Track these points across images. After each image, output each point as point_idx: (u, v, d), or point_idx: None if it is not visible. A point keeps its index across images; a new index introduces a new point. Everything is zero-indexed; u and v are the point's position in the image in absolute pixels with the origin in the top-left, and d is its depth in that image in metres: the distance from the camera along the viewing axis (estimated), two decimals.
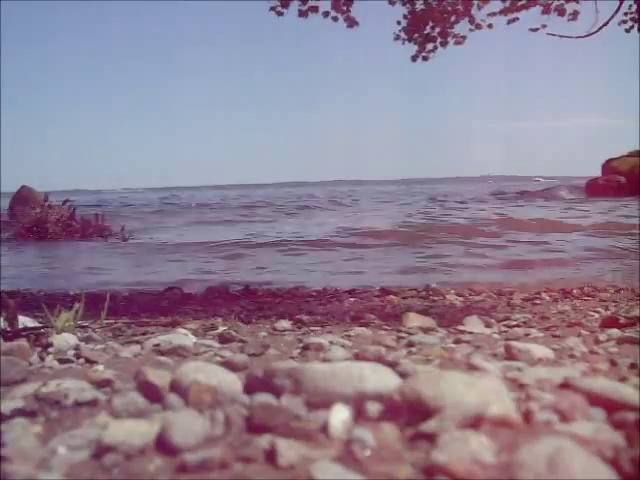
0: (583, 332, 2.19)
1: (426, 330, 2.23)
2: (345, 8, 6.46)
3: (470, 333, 2.13)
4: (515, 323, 2.86)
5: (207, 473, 0.78)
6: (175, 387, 1.06)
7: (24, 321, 2.06)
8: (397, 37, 6.87)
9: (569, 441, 0.77)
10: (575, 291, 4.65)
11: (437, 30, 6.78)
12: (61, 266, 8.55)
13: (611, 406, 0.95)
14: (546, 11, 6.37)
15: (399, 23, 6.80)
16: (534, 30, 6.46)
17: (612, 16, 6.02)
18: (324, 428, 0.89)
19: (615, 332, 2.00)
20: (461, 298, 4.49)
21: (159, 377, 1.11)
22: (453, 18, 6.66)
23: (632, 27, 6.43)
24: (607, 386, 1.01)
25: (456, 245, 9.29)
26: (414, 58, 7.07)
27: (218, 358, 1.57)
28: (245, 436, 0.89)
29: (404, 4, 6.68)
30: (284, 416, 0.92)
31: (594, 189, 28.93)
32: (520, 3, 6.35)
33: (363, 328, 2.43)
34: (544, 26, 6.38)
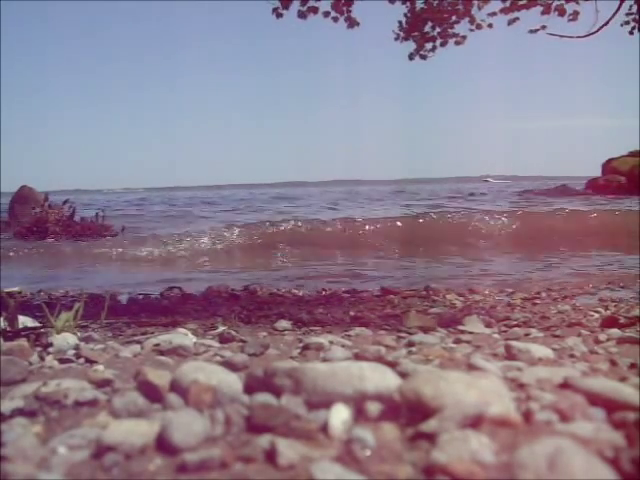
0: (583, 332, 2.19)
1: (426, 330, 2.23)
2: (345, 9, 6.45)
3: (470, 333, 2.14)
4: (515, 323, 2.86)
5: (207, 473, 0.78)
6: (175, 387, 1.06)
7: (24, 321, 2.06)
8: (397, 36, 6.86)
9: (569, 441, 0.77)
10: (575, 291, 4.65)
11: (437, 30, 6.77)
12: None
13: (611, 406, 0.95)
14: (546, 11, 6.37)
15: (400, 23, 6.79)
16: (534, 31, 6.46)
17: (612, 16, 6.01)
18: (324, 428, 0.89)
19: (615, 332, 2.01)
20: (461, 298, 4.49)
21: (159, 377, 1.11)
22: (453, 18, 6.66)
23: (634, 28, 6.43)
24: (607, 386, 1.01)
25: None
26: (411, 56, 7.06)
27: (218, 358, 1.57)
28: (245, 436, 0.89)
29: (404, 2, 6.67)
30: (284, 416, 0.92)
31: (594, 189, 28.95)
32: (520, 3, 6.35)
33: (363, 328, 2.44)
34: (543, 27, 6.38)
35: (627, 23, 6.44)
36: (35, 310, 2.55)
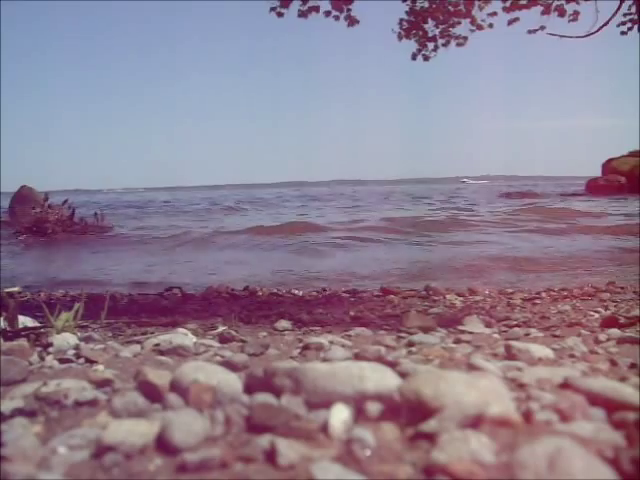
0: (583, 332, 2.19)
1: (426, 330, 2.23)
2: (345, 7, 6.45)
3: (470, 333, 2.13)
4: (515, 323, 2.86)
5: (207, 473, 0.78)
6: (175, 387, 1.06)
7: (24, 321, 2.06)
8: (399, 35, 6.87)
9: (569, 441, 0.77)
10: (575, 291, 4.65)
11: (438, 30, 6.78)
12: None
13: (611, 406, 0.95)
14: (546, 12, 6.37)
15: (401, 21, 6.80)
16: (533, 32, 6.47)
17: (612, 16, 6.02)
18: (324, 428, 0.89)
19: (615, 332, 2.00)
20: (461, 298, 4.49)
21: (159, 377, 1.10)
22: (454, 19, 6.66)
23: (630, 29, 6.42)
24: (607, 386, 1.01)
25: None
26: (414, 56, 7.07)
27: (218, 358, 1.57)
28: (245, 436, 0.89)
29: (404, 0, 6.68)
30: (284, 416, 0.92)
31: (594, 189, 28.91)
32: (520, 3, 6.35)
33: (363, 328, 2.43)
34: (543, 28, 6.39)
35: (623, 24, 6.44)
36: (35, 310, 2.55)
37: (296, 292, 5.15)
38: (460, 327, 2.33)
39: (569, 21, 6.48)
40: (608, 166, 29.68)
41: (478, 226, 13.70)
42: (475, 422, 0.87)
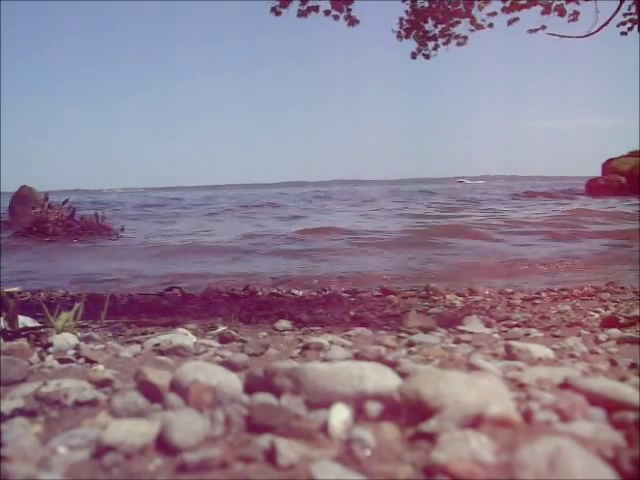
0: (583, 332, 2.19)
1: (426, 330, 2.23)
2: (345, 7, 6.46)
3: (470, 333, 2.13)
4: (515, 323, 2.86)
5: (207, 473, 0.78)
6: (175, 387, 1.06)
7: (24, 321, 2.06)
8: (399, 35, 6.88)
9: (569, 441, 0.77)
10: (575, 291, 4.65)
11: (438, 29, 6.79)
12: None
13: (611, 406, 0.95)
14: (546, 11, 6.37)
15: (401, 20, 6.81)
16: (533, 31, 6.47)
17: (612, 16, 6.02)
18: (324, 428, 0.89)
19: (615, 332, 2.00)
20: (461, 298, 4.49)
21: (159, 377, 1.11)
22: (454, 19, 6.67)
23: (630, 29, 6.43)
24: (607, 386, 1.01)
25: None
26: (414, 55, 7.08)
27: (218, 358, 1.57)
28: (245, 436, 0.89)
29: (404, 0, 6.69)
30: (284, 416, 0.92)
31: (594, 189, 28.91)
32: (520, 2, 6.35)
33: (363, 328, 2.43)
34: (543, 27, 6.39)
35: (624, 24, 6.44)
36: (35, 310, 2.55)
37: (296, 292, 5.16)
38: (460, 327, 2.33)
39: (569, 21, 6.48)
40: (608, 166, 29.68)
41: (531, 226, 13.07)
42: (475, 422, 0.87)
